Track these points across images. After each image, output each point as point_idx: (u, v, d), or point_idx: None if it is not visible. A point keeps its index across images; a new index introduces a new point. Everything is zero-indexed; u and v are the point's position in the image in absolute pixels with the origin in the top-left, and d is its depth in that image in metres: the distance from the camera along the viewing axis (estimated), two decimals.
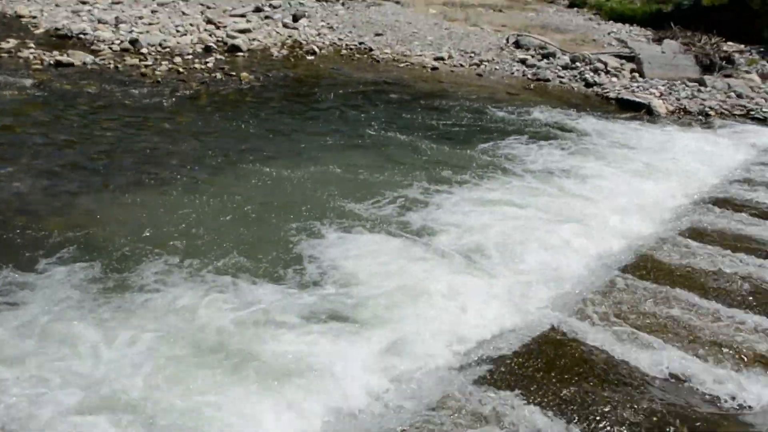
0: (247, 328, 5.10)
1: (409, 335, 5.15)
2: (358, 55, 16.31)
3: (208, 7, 18.85)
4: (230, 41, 15.75)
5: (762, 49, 18.45)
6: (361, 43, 17.11)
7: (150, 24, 16.65)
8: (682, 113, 13.10)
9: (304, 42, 16.87)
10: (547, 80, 15.00)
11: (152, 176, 8.11)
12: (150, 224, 6.73)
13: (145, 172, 8.20)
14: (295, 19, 18.51)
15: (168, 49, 14.85)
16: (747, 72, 16.15)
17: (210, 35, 16.30)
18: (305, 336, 5.05)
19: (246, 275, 5.88)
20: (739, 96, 14.05)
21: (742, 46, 18.77)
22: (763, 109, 13.33)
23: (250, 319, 5.21)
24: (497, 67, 15.84)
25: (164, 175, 8.16)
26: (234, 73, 13.41)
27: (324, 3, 20.88)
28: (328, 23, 18.68)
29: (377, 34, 17.87)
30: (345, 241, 6.68)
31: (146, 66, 13.49)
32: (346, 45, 17.04)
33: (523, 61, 16.15)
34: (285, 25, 18.05)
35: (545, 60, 16.27)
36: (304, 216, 7.18)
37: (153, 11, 17.94)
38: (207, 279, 5.77)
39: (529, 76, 15.33)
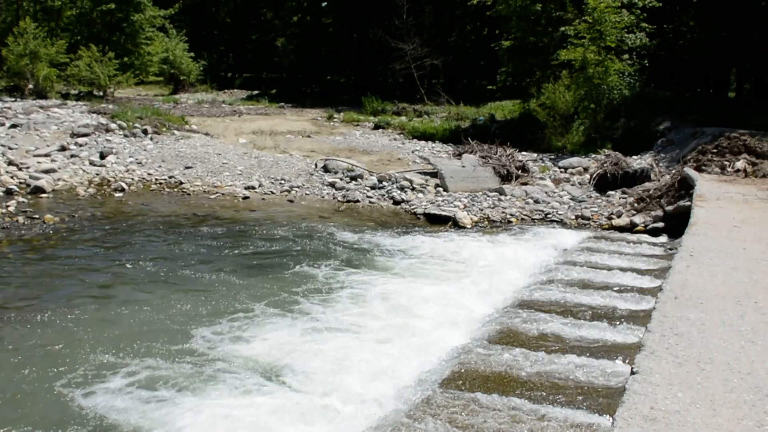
0: None
1: None
2: (168, 189, 16.13)
3: (10, 148, 18.13)
4: (33, 182, 15.23)
5: (553, 157, 19.88)
6: (171, 177, 16.99)
7: None
8: (486, 222, 13.76)
9: (112, 179, 16.54)
10: (357, 201, 15.40)
11: None
12: None
13: None
14: (103, 156, 18.14)
15: None
16: (541, 179, 17.29)
17: (11, 177, 15.70)
18: None
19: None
20: (537, 201, 14.96)
21: (535, 155, 20.16)
22: (559, 212, 14.24)
23: None
24: (308, 192, 16.13)
25: None
26: (37, 216, 12.95)
27: (132, 138, 20.62)
28: (137, 159, 18.43)
29: (187, 167, 17.80)
30: (133, 383, 6.56)
31: None
32: (156, 179, 16.85)
33: (332, 185, 16.54)
34: (92, 163, 17.66)
35: (354, 182, 16.75)
36: (98, 362, 7.00)
37: None
38: None
39: (339, 198, 15.69)
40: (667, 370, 4.97)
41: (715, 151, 15.72)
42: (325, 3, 51.14)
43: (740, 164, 14.70)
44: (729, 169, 14.72)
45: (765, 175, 14.06)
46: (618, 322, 7.98)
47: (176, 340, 7.58)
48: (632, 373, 4.93)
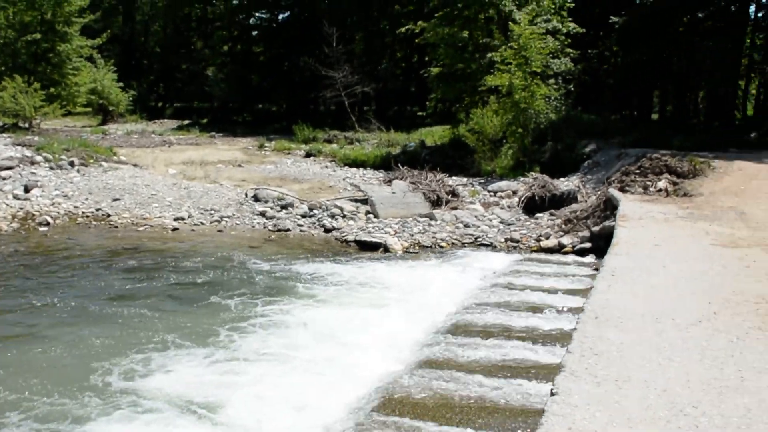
0: None
1: None
2: (95, 223, 15.84)
3: None
4: None
5: (482, 181, 20.13)
6: (98, 210, 16.67)
7: None
8: (416, 248, 13.82)
9: (37, 213, 16.16)
10: (288, 230, 15.35)
11: None
12: None
13: None
14: (27, 189, 17.71)
15: None
16: (471, 203, 17.48)
17: None
18: None
19: None
20: (467, 225, 15.08)
21: (465, 180, 20.38)
22: (489, 235, 14.38)
23: None
24: (238, 222, 16.00)
25: None
26: None
27: (58, 170, 20.14)
28: (63, 191, 18.02)
29: (115, 199, 17.49)
30: (29, 417, 6.45)
31: None
32: (83, 213, 16.52)
33: (262, 214, 16.43)
34: (16, 197, 17.20)
35: (284, 210, 16.68)
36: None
37: None
38: None
39: (270, 227, 15.60)
40: (586, 390, 5.02)
41: (638, 171, 16.09)
42: (256, 32, 51.16)
43: (662, 184, 15.06)
44: (651, 189, 15.06)
45: (685, 194, 14.41)
46: (543, 343, 8.10)
47: (85, 375, 7.40)
48: (552, 394, 4.97)
